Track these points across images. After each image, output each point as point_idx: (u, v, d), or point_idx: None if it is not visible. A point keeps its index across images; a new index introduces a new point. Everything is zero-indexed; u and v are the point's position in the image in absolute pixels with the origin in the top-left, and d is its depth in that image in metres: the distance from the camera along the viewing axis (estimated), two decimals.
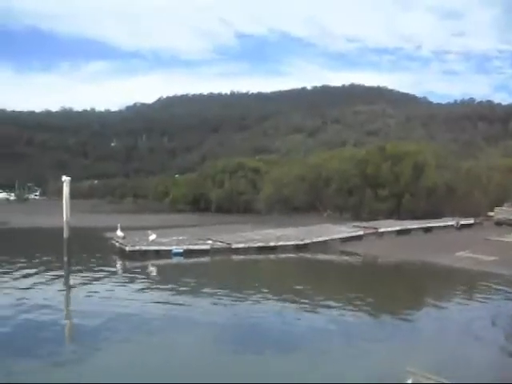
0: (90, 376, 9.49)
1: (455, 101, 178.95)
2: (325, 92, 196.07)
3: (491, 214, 38.21)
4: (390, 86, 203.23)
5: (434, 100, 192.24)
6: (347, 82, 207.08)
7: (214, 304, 16.22)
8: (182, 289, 18.63)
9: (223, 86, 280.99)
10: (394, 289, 19.74)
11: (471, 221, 36.22)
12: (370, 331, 13.10)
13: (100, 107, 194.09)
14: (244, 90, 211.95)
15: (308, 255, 27.12)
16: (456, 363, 10.28)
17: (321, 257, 27.09)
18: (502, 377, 9.70)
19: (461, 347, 11.80)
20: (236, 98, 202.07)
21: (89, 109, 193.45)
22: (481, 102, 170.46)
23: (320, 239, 29.47)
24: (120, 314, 14.34)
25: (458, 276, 21.79)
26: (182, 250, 26.36)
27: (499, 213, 37.58)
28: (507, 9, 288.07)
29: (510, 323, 14.54)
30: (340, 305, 15.83)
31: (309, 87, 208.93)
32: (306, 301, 16.30)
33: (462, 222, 35.39)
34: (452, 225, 34.91)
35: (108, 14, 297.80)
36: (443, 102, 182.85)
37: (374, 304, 16.40)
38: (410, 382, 8.07)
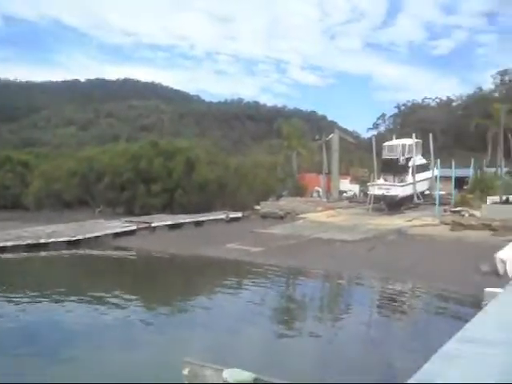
0: None
1: (226, 100, 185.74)
2: (99, 85, 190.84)
3: (257, 207, 40.65)
4: (165, 83, 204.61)
5: (207, 98, 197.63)
6: (122, 76, 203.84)
7: None
8: None
9: None
10: (169, 282, 20.25)
11: (239, 214, 38.14)
12: (146, 325, 13.35)
13: None
14: (12, 78, 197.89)
15: (81, 251, 26.57)
16: (231, 349, 10.94)
17: (94, 252, 26.66)
18: (277, 360, 10.52)
19: (235, 333, 12.59)
20: (2, 87, 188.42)
21: None
22: (248, 102, 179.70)
23: (93, 235, 28.98)
24: None
25: (229, 267, 22.91)
26: None
27: (264, 207, 40.24)
28: (273, 20, 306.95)
29: (278, 306, 15.90)
30: (115, 299, 15.88)
31: (82, 79, 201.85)
32: (80, 297, 16.09)
33: (231, 216, 37.15)
34: (222, 218, 36.48)
35: None
36: (215, 100, 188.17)
37: (149, 297, 16.73)
38: (185, 372, 8.35)
